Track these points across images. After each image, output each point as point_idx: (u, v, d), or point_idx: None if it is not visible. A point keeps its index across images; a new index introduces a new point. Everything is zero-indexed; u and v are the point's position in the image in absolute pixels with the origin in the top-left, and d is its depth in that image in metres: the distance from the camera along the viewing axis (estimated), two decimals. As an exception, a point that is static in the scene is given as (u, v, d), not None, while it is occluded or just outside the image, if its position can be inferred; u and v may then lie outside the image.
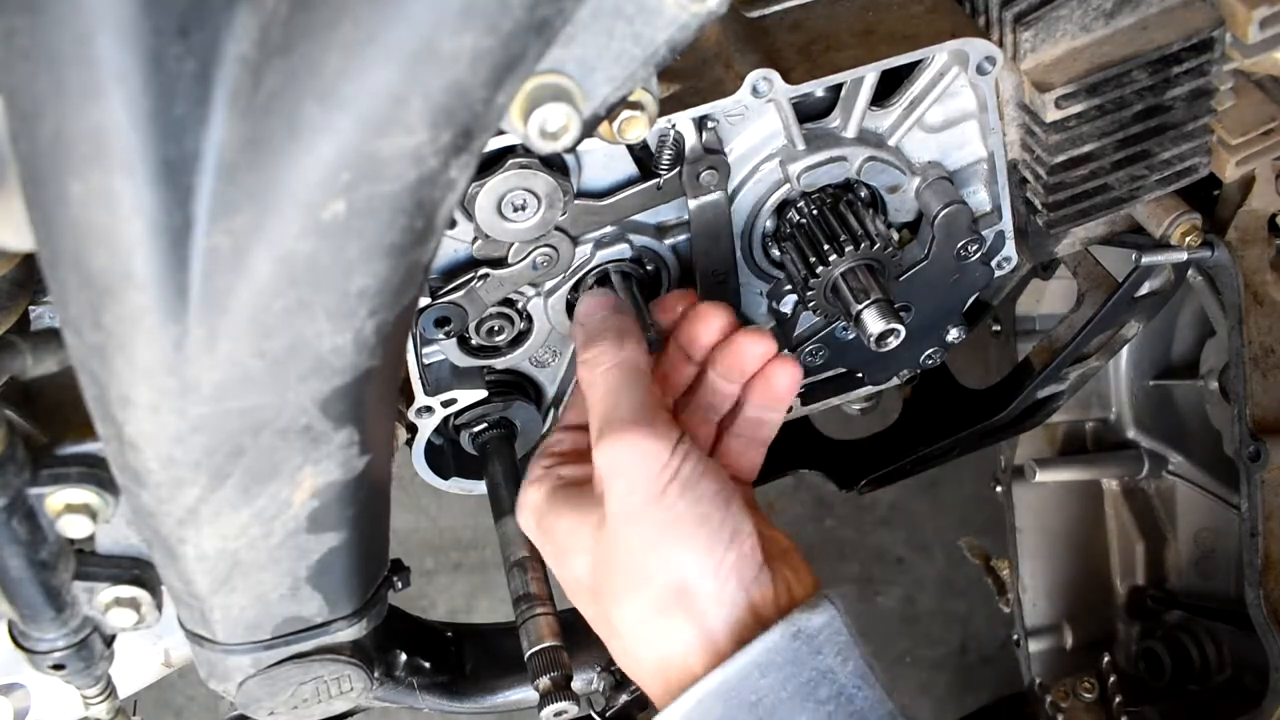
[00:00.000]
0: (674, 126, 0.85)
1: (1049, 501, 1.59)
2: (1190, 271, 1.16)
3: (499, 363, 0.97)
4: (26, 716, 1.01)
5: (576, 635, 0.86)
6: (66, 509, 0.77)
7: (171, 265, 0.55)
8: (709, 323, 0.84)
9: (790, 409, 1.08)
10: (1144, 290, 1.13)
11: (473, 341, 0.95)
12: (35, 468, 0.77)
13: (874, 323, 0.88)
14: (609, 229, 0.91)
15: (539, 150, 0.59)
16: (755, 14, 0.88)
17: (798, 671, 0.70)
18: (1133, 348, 1.47)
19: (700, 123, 0.86)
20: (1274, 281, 1.14)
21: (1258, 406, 1.17)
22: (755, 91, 0.83)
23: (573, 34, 0.57)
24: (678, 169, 0.87)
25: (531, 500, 0.82)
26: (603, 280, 0.92)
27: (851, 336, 1.01)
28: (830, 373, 1.08)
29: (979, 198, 0.97)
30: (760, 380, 0.84)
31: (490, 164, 0.81)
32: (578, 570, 0.78)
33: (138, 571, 0.85)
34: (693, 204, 0.89)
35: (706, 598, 0.72)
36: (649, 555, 0.73)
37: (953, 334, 1.05)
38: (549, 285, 0.92)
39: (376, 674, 0.92)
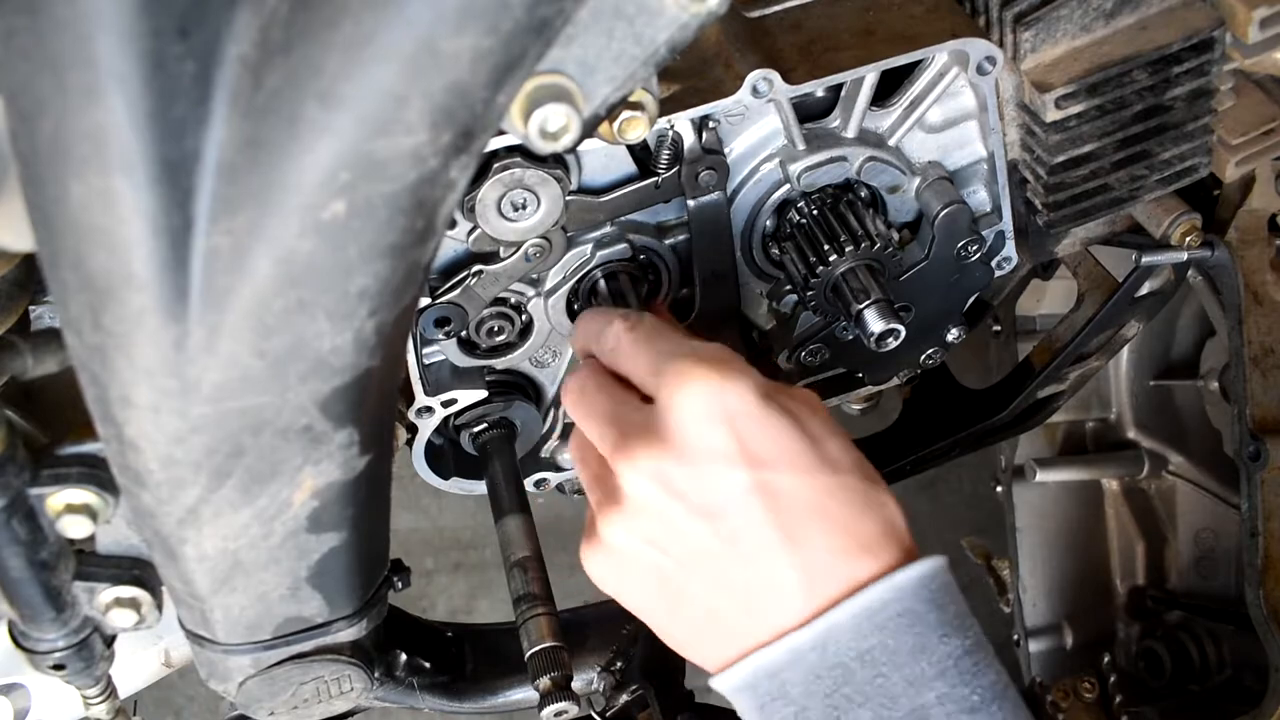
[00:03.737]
0: (672, 126, 0.85)
1: (1049, 501, 1.59)
2: (1190, 271, 1.16)
3: (499, 363, 0.97)
4: (26, 716, 1.01)
5: (577, 635, 0.86)
6: (67, 509, 0.77)
7: (171, 266, 0.55)
8: None
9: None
10: (1144, 290, 1.13)
11: (474, 342, 0.95)
12: (35, 468, 0.77)
13: (874, 323, 0.89)
14: (609, 228, 0.91)
15: (539, 150, 0.59)
16: (755, 14, 0.88)
17: None
18: (1133, 348, 1.47)
19: (700, 123, 0.86)
20: (1274, 281, 1.14)
21: (1258, 406, 1.17)
22: (755, 92, 0.83)
23: (573, 34, 0.57)
24: (676, 169, 0.87)
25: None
26: (607, 279, 0.92)
27: (852, 336, 1.01)
28: (830, 373, 1.08)
29: (979, 198, 0.97)
30: None
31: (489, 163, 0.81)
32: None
33: (138, 572, 0.85)
34: (691, 204, 0.89)
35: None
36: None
37: (953, 334, 1.05)
38: (549, 285, 0.92)
39: (377, 674, 0.92)
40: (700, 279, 0.94)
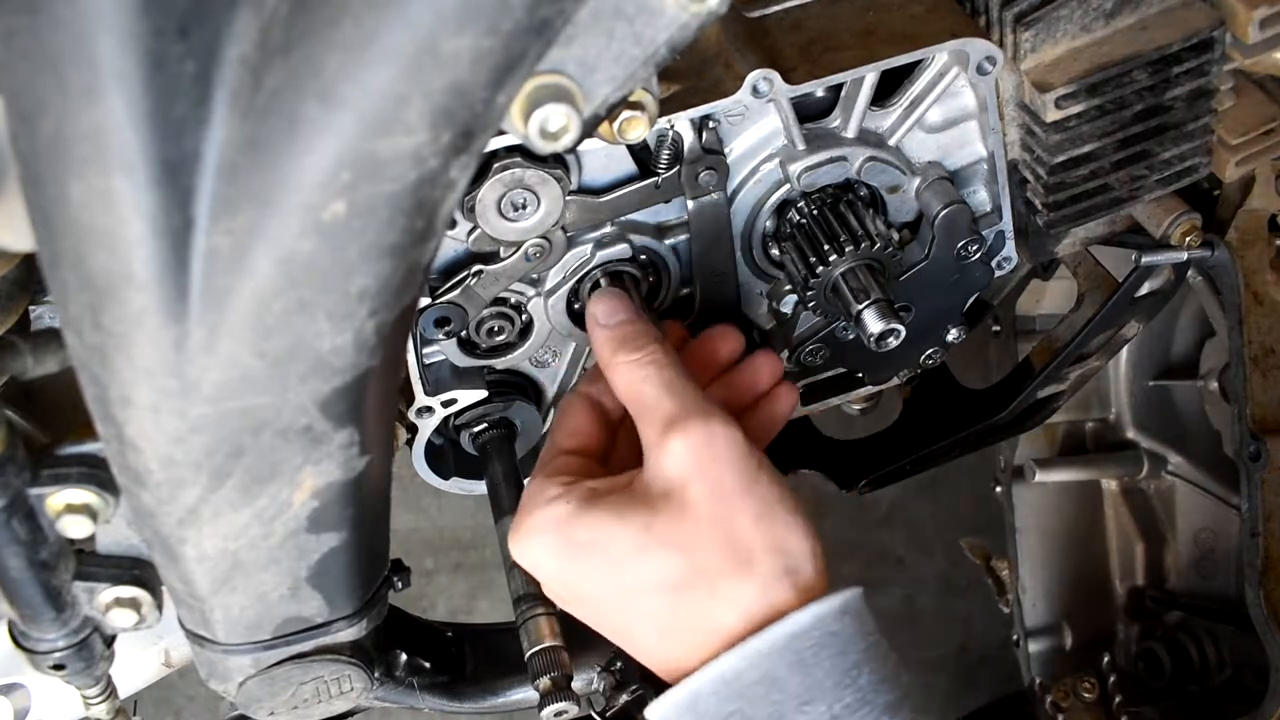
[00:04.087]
0: (673, 126, 0.85)
1: (1049, 502, 1.60)
2: (1190, 272, 1.16)
3: (499, 363, 0.97)
4: (26, 716, 1.01)
5: (576, 635, 0.86)
6: (67, 509, 0.77)
7: (172, 265, 0.55)
8: (727, 343, 0.90)
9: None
10: (1144, 290, 1.13)
11: (474, 341, 0.95)
12: (35, 468, 0.77)
13: (874, 323, 0.89)
14: (609, 228, 0.91)
15: (539, 150, 0.59)
16: (755, 14, 0.88)
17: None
18: (1132, 348, 1.47)
19: (701, 123, 0.86)
20: (1274, 281, 1.14)
21: (1258, 406, 1.17)
22: (755, 91, 0.83)
23: (573, 34, 0.57)
24: (676, 169, 0.87)
25: (557, 514, 0.77)
26: (611, 279, 0.92)
27: (852, 336, 1.01)
28: (830, 373, 1.08)
29: (979, 198, 0.97)
30: (766, 401, 0.90)
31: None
32: (655, 571, 0.75)
33: (138, 571, 0.85)
34: (691, 204, 0.89)
35: (814, 578, 0.75)
36: (757, 533, 0.74)
37: (953, 334, 1.05)
38: (549, 285, 0.92)
39: (377, 674, 0.92)
40: (700, 279, 0.94)
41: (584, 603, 0.80)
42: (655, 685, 0.78)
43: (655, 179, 0.87)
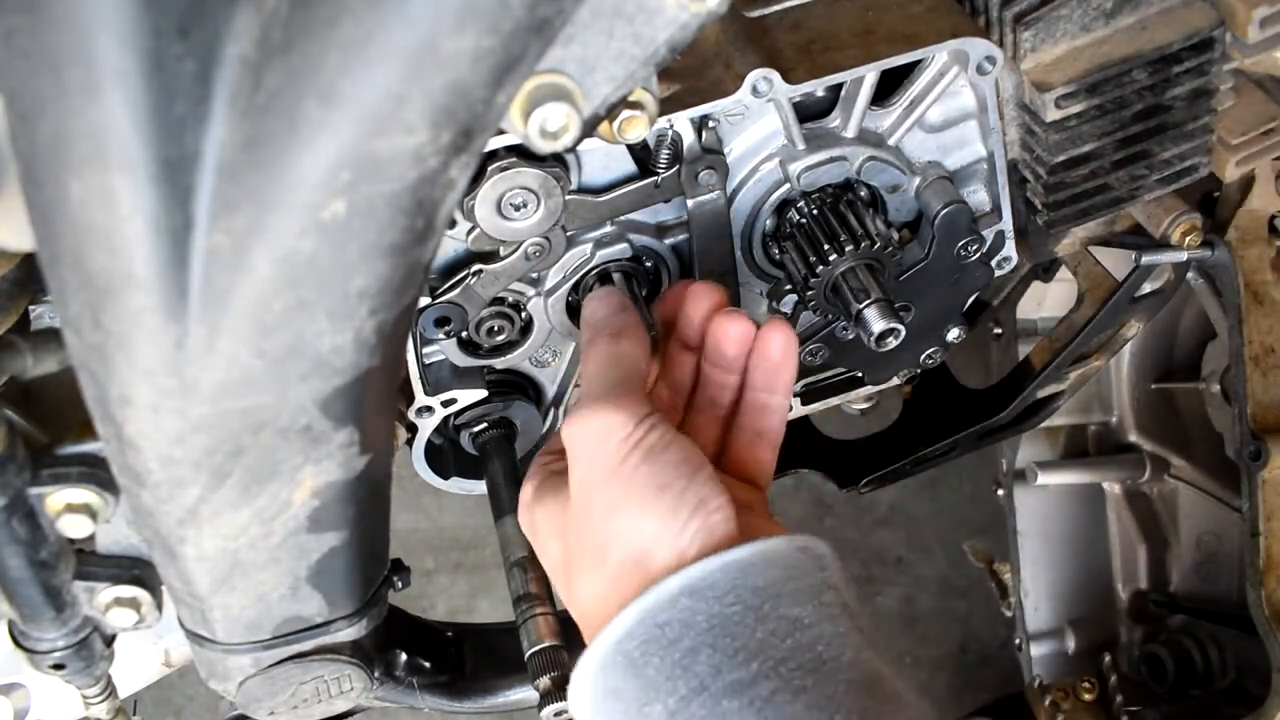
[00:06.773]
0: (672, 126, 0.85)
1: (1051, 505, 1.59)
2: (1190, 274, 1.16)
3: (499, 362, 0.97)
4: (26, 716, 1.01)
5: (576, 635, 0.86)
6: (66, 509, 0.77)
7: (171, 265, 0.55)
8: (699, 302, 0.82)
9: (790, 408, 1.08)
10: (1144, 290, 1.13)
11: (474, 341, 0.95)
12: (35, 468, 0.77)
13: (874, 322, 0.89)
14: (609, 228, 0.91)
15: (539, 150, 0.59)
16: (755, 14, 0.88)
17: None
18: (1134, 351, 1.47)
19: (700, 123, 0.86)
20: (1274, 281, 1.14)
21: (1258, 405, 1.17)
22: (755, 91, 0.83)
23: (573, 34, 0.57)
24: (676, 168, 0.87)
25: (524, 496, 0.81)
26: (604, 279, 0.92)
27: (851, 336, 1.01)
28: (830, 373, 1.08)
29: (979, 197, 0.97)
30: (753, 356, 0.82)
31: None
32: (552, 555, 0.78)
33: (138, 571, 0.85)
34: (691, 203, 0.89)
35: (663, 567, 0.70)
36: (608, 526, 0.71)
37: (953, 333, 1.05)
38: (549, 285, 0.92)
39: (377, 674, 0.92)
40: (701, 279, 0.94)
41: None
42: None
43: (655, 178, 0.87)
